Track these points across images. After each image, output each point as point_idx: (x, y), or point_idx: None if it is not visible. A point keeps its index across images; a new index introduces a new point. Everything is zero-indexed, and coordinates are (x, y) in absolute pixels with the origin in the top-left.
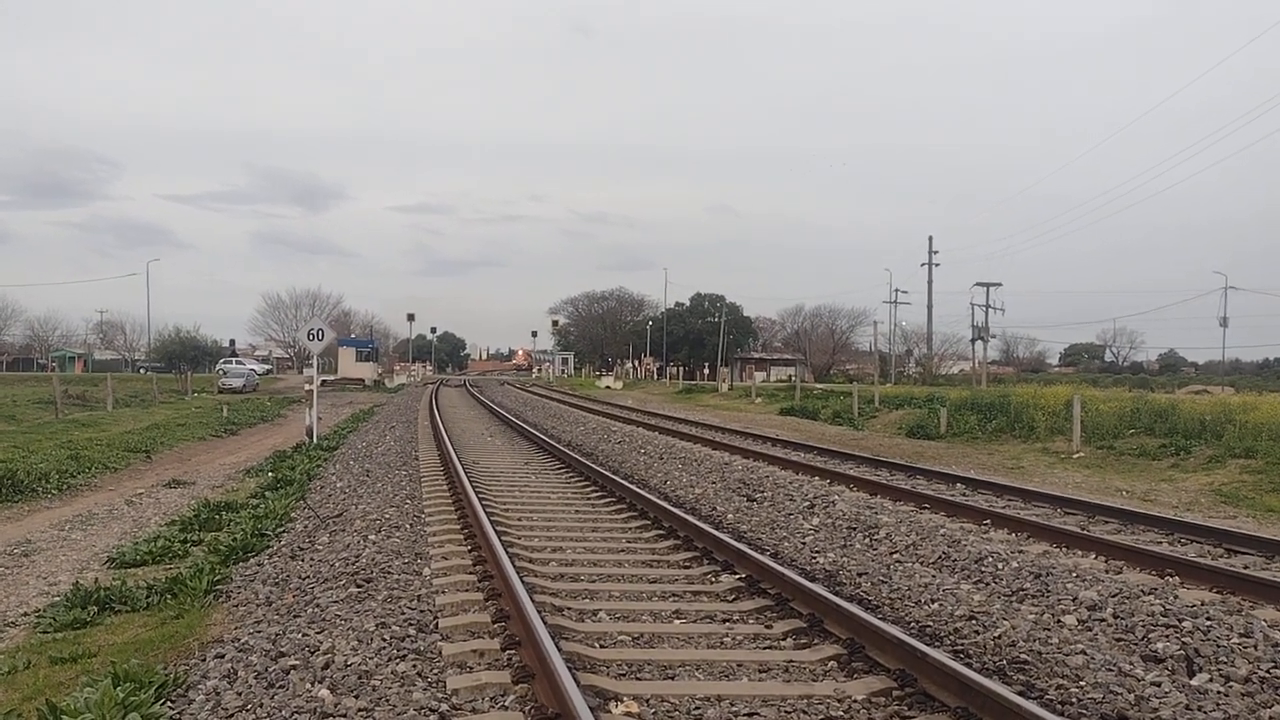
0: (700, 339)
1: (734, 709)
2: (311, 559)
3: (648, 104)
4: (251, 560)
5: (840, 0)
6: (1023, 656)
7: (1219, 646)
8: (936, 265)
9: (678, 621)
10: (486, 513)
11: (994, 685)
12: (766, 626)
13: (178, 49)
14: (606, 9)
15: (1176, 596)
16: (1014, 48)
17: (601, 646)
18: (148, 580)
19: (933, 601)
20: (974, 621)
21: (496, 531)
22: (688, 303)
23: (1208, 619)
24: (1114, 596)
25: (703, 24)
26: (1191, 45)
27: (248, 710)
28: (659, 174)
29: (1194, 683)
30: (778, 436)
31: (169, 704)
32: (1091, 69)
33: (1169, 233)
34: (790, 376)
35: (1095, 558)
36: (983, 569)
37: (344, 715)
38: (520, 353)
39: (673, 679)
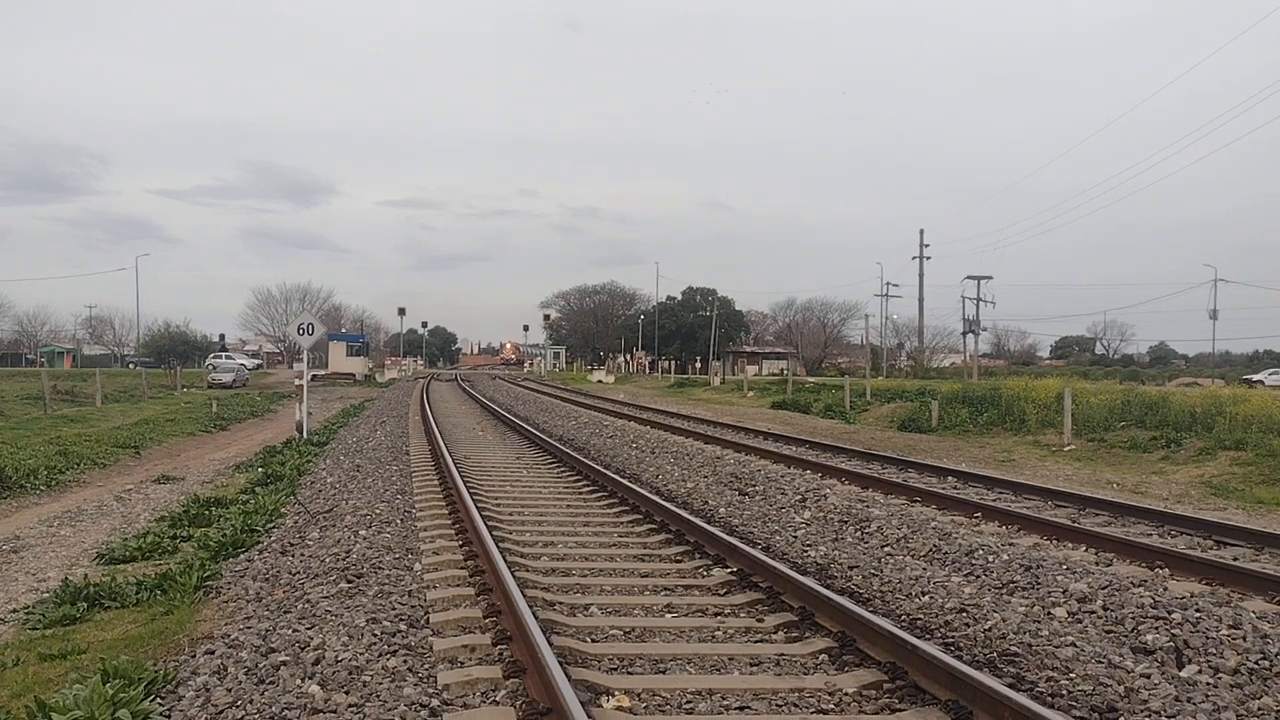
0: (692, 333)
1: (725, 702)
2: (302, 554)
3: (638, 99)
4: (241, 556)
5: None
6: (1013, 649)
7: (1208, 638)
8: (928, 259)
9: (669, 615)
10: (478, 507)
11: (984, 677)
12: (758, 620)
13: (168, 43)
14: (597, 5)
15: (1166, 588)
16: (1005, 43)
17: (593, 641)
18: (137, 576)
19: (923, 594)
20: (964, 614)
21: (488, 526)
22: (679, 296)
23: (1197, 611)
24: (1104, 589)
25: (693, 19)
26: (1182, 40)
27: (237, 706)
28: (650, 169)
29: (1183, 674)
30: (769, 430)
31: (158, 700)
32: (1082, 63)
33: (1159, 226)
34: (782, 370)
35: (1085, 550)
36: (973, 562)
37: (334, 711)
38: (508, 346)
39: (664, 673)
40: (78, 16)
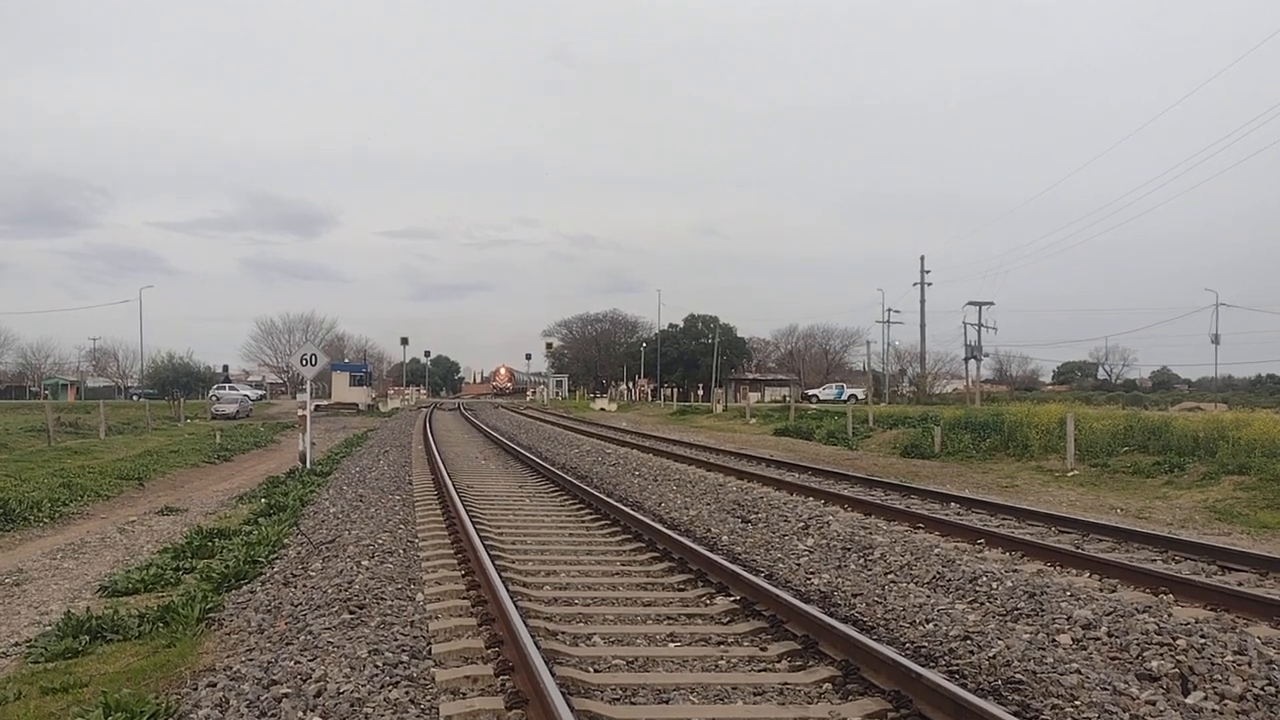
0: (694, 360)
1: None
2: (304, 585)
3: (633, 128)
4: (244, 587)
5: (833, 19)
6: (1018, 676)
7: (1213, 664)
8: (929, 284)
9: (672, 645)
10: (480, 537)
11: (989, 706)
12: (761, 649)
13: (166, 77)
14: (588, 38)
15: (1171, 614)
16: (1006, 65)
17: (596, 671)
18: (140, 608)
19: (927, 622)
20: (969, 641)
21: (490, 556)
22: (681, 324)
23: (1202, 637)
24: (1108, 615)
25: (686, 49)
26: (1182, 63)
27: None
28: (645, 196)
29: (1189, 701)
30: (772, 457)
31: None
32: (1083, 88)
33: (1161, 250)
34: (784, 397)
35: (1089, 576)
36: (977, 588)
37: None
38: (502, 371)
39: (667, 703)
40: (78, 49)
